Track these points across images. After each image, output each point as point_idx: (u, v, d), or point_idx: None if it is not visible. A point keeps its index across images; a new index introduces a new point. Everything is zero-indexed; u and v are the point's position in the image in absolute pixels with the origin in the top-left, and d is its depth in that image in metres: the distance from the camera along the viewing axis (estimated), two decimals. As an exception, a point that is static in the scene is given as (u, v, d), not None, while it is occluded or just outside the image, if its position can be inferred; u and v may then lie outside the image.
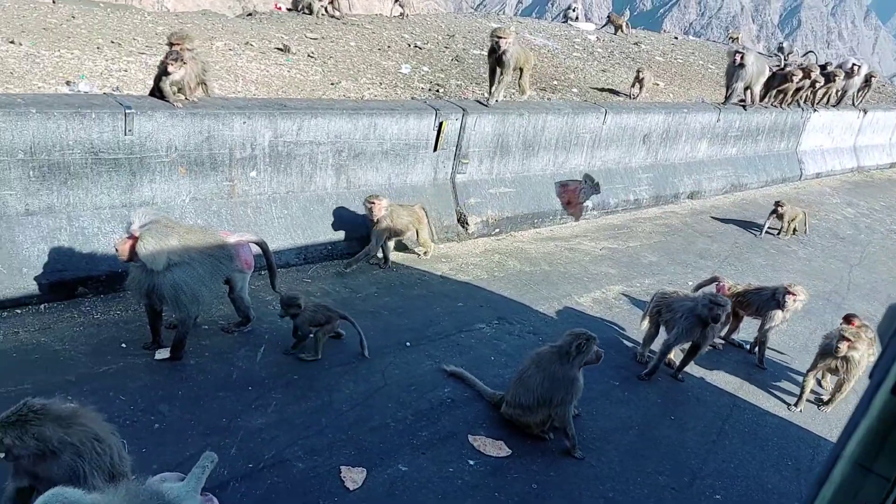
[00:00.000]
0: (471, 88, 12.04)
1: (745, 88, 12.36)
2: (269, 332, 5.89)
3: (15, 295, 5.64)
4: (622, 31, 21.55)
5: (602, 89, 13.72)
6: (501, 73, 8.80)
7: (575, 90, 13.48)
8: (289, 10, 16.51)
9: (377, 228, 7.21)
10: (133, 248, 4.90)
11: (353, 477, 4.55)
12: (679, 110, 11.38)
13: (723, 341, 7.21)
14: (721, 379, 6.57)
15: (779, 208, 10.82)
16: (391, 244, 7.59)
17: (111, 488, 3.31)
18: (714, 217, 11.35)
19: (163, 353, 5.38)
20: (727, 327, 7.05)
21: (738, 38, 23.30)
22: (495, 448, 5.07)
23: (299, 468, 4.53)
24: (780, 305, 6.69)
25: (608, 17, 23.37)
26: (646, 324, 6.66)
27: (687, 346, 6.34)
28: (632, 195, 10.84)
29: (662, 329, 6.50)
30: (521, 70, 9.66)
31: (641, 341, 6.67)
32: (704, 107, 12.03)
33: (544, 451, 5.14)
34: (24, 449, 3.32)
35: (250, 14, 16.72)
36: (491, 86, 9.03)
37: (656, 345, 6.52)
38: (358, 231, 7.45)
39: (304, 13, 15.71)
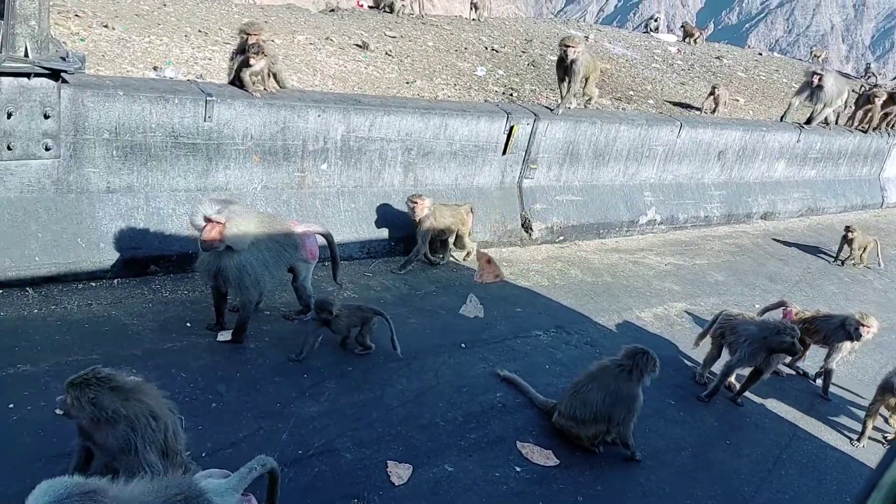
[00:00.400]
0: (545, 94, 11.98)
1: (822, 109, 11.96)
2: (327, 322, 5.98)
3: (91, 268, 5.89)
4: (695, 41, 21.15)
5: (675, 103, 13.48)
6: (570, 82, 8.74)
7: (651, 101, 13.28)
8: (371, 7, 16.75)
9: (421, 228, 7.21)
10: (221, 232, 5.04)
11: (399, 473, 4.58)
12: (758, 128, 11.10)
13: (790, 370, 7.01)
14: (782, 407, 6.37)
15: (848, 234, 10.38)
16: (450, 242, 7.60)
17: (141, 477, 3.44)
18: (787, 240, 11.02)
19: (225, 335, 5.54)
20: (792, 354, 6.83)
21: (821, 56, 22.52)
22: (543, 457, 5.03)
23: (347, 459, 4.60)
24: (851, 336, 6.45)
25: (682, 26, 22.94)
26: (702, 343, 6.52)
27: (748, 370, 6.18)
28: (702, 212, 10.62)
29: (724, 351, 6.34)
30: (587, 78, 9.53)
31: (702, 362, 6.53)
32: (784, 126, 11.69)
33: (593, 464, 5.08)
34: (80, 411, 3.47)
35: (333, 10, 17.00)
36: (562, 94, 8.99)
37: (717, 367, 6.38)
38: (422, 229, 7.50)
39: (385, 11, 15.91)
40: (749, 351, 5.96)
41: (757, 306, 7.74)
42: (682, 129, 9.89)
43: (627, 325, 7.22)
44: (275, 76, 6.98)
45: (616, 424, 5.08)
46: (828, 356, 6.65)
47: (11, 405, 4.42)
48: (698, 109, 13.26)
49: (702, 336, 6.57)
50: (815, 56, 23.30)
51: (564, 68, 8.72)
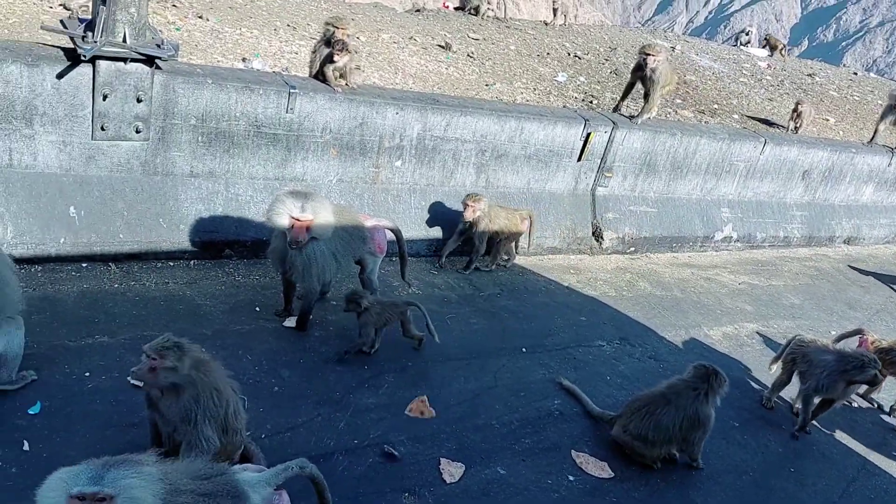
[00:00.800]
0: (625, 103, 11.83)
1: None
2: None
3: (170, 248, 6.12)
4: (781, 53, 20.49)
5: (758, 119, 13.03)
6: (648, 92, 8.57)
7: (736, 116, 12.93)
8: (456, 9, 16.80)
9: (477, 230, 7.10)
10: (309, 227, 5.18)
11: (452, 471, 4.61)
12: (846, 149, 10.68)
13: (863, 400, 6.73)
14: (851, 438, 6.11)
15: None
16: (513, 246, 7.53)
17: (198, 450, 3.60)
18: (870, 267, 10.56)
19: (291, 322, 5.68)
20: (867, 384, 6.55)
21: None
22: (598, 468, 4.98)
23: (401, 452, 4.64)
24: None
25: (766, 38, 22.21)
26: (775, 367, 6.33)
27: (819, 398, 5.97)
28: (782, 232, 10.29)
29: (796, 377, 6.13)
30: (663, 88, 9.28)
31: (770, 386, 6.33)
32: (874, 149, 11.21)
33: (648, 480, 4.99)
34: (176, 377, 3.63)
35: (418, 10, 17.14)
36: (621, 100, 8.88)
37: (786, 393, 6.19)
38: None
39: (470, 14, 15.95)
40: (827, 382, 5.74)
41: (833, 333, 7.45)
42: (766, 145, 9.61)
43: (694, 342, 7.06)
44: (350, 71, 7.09)
45: (690, 445, 5.05)
46: (906, 390, 6.36)
47: (88, 373, 4.64)
48: (783, 127, 12.80)
49: (776, 360, 6.37)
50: (912, 77, 22.21)
51: (641, 77, 8.56)
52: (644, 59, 8.39)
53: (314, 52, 6.98)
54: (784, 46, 21.04)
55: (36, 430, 4.13)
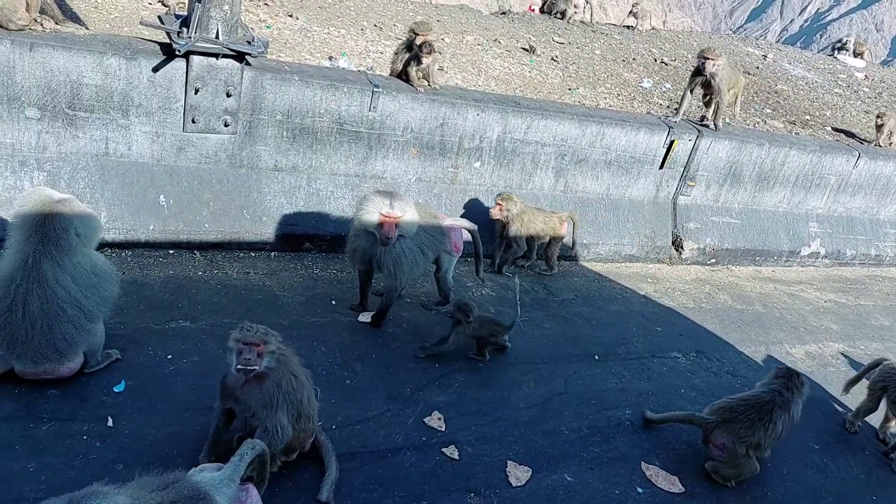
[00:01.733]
0: (684, 110, 11.53)
1: None
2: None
3: (253, 240, 6.29)
4: (863, 58, 19.73)
5: (843, 131, 12.41)
6: (711, 100, 8.28)
7: (829, 128, 12.43)
8: (542, 12, 16.73)
9: (509, 231, 6.92)
10: (398, 224, 5.28)
11: (518, 474, 4.58)
12: (949, 166, 10.12)
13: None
14: (943, 470, 5.79)
15: None
16: (554, 250, 7.26)
17: (272, 437, 3.69)
18: (971, 291, 9.98)
19: (365, 317, 5.75)
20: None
21: None
22: (668, 482, 4.86)
23: (468, 452, 4.64)
24: None
25: (853, 43, 21.30)
26: (852, 389, 6.05)
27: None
28: (874, 250, 9.84)
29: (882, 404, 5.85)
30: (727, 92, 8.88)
31: (854, 409, 6.05)
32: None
33: (721, 498, 4.83)
34: (273, 360, 3.76)
35: (504, 13, 17.14)
36: (680, 106, 8.47)
37: (870, 416, 5.92)
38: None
39: (556, 17, 15.85)
40: None
41: (926, 358, 7.07)
42: (861, 159, 9.21)
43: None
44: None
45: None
46: None
47: (170, 356, 4.81)
48: (868, 141, 12.13)
49: (853, 382, 6.09)
50: None
51: (703, 83, 8.23)
52: (703, 64, 8.01)
53: (396, 54, 7.08)
54: (868, 51, 20.32)
55: (120, 407, 4.31)
